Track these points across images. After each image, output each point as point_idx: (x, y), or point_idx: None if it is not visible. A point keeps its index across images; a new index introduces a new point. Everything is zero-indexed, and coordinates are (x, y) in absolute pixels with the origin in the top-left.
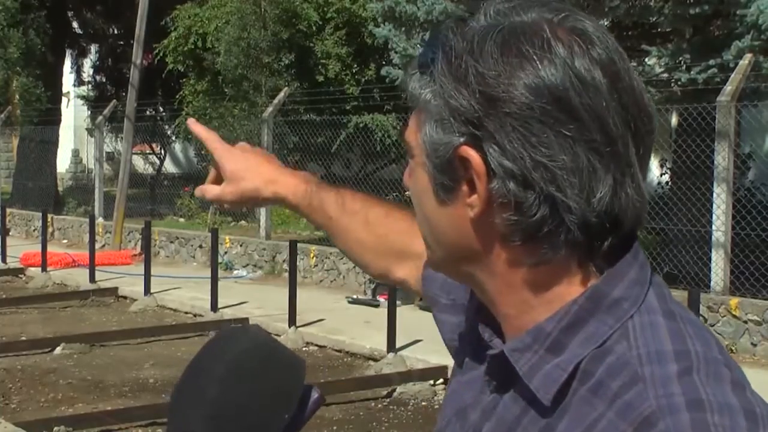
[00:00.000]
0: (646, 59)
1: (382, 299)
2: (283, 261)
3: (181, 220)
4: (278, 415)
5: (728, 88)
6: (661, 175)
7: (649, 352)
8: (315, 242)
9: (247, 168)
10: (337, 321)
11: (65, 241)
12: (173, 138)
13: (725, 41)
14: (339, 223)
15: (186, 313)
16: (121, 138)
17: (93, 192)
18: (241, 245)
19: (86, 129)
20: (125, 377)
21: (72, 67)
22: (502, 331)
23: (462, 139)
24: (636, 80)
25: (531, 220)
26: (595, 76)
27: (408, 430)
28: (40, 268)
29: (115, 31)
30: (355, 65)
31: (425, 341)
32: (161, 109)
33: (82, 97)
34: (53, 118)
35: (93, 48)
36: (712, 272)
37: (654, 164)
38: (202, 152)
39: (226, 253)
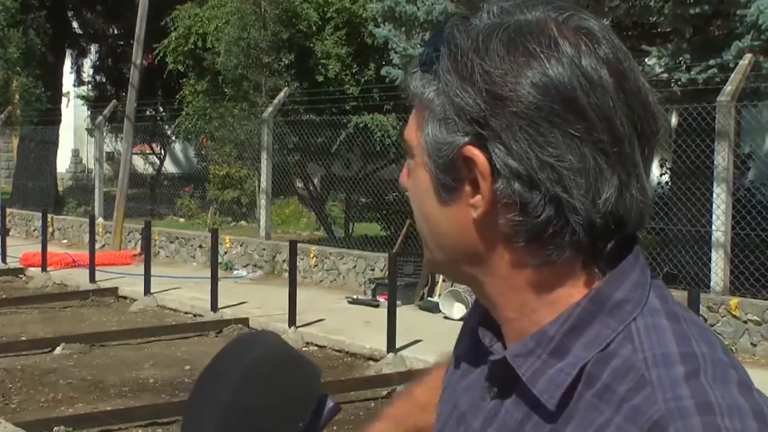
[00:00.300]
0: (646, 59)
1: (382, 299)
2: (283, 261)
3: (181, 220)
4: (292, 423)
5: (728, 88)
6: (661, 175)
7: (655, 355)
8: (315, 242)
9: None
10: (337, 321)
11: (65, 241)
12: (173, 138)
13: (725, 41)
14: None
15: (186, 313)
16: (121, 138)
17: (93, 192)
18: (241, 245)
19: (86, 129)
20: (125, 377)
21: (72, 67)
22: (502, 334)
23: (466, 139)
24: (642, 81)
25: (536, 221)
26: (602, 75)
27: None
28: (40, 268)
29: (115, 31)
30: (355, 65)
31: (425, 341)
32: (161, 109)
33: (82, 97)
34: (53, 118)
35: (93, 48)
36: (712, 272)
37: (654, 164)
38: (202, 152)
39: (226, 253)
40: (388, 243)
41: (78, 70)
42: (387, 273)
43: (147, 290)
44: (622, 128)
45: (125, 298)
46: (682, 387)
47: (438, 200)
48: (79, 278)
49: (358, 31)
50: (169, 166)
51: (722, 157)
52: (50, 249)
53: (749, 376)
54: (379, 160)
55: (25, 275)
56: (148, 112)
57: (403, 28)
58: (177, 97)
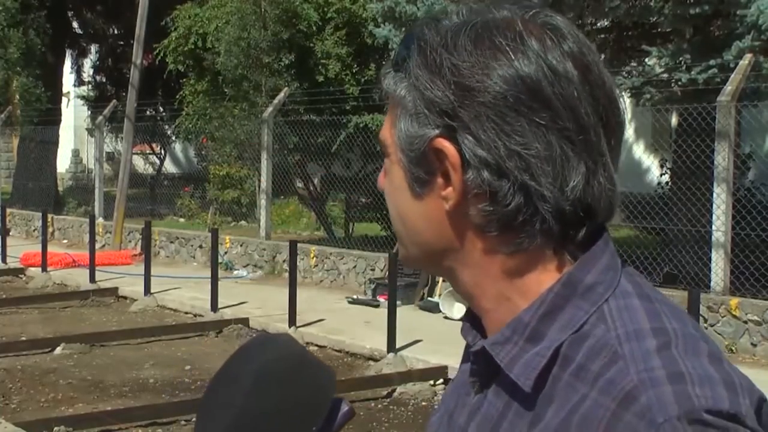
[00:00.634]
0: (646, 59)
1: (382, 299)
2: (283, 261)
3: (181, 220)
4: (305, 427)
5: (728, 88)
6: (661, 175)
7: (627, 332)
8: (315, 242)
9: None
10: (337, 321)
11: (65, 241)
12: (173, 138)
13: (725, 41)
14: None
15: (186, 313)
16: (121, 138)
17: (93, 192)
18: (241, 245)
19: (86, 129)
20: (125, 377)
21: (72, 67)
22: (485, 329)
23: (437, 131)
24: (606, 74)
25: (506, 209)
26: (567, 67)
27: (408, 430)
28: (40, 268)
29: (115, 31)
30: (355, 65)
31: (425, 341)
32: (161, 109)
33: (82, 97)
34: (53, 118)
35: (93, 48)
36: (712, 272)
37: (654, 164)
38: (202, 152)
39: (226, 253)
40: (388, 243)
41: (78, 70)
42: (387, 273)
43: (147, 290)
44: (587, 117)
45: (125, 298)
46: (653, 359)
47: (412, 195)
48: (79, 278)
49: (358, 31)
50: (169, 166)
51: (722, 157)
52: (50, 249)
53: (720, 350)
54: (379, 160)
55: (25, 275)
56: (148, 112)
57: (403, 28)
58: (177, 97)
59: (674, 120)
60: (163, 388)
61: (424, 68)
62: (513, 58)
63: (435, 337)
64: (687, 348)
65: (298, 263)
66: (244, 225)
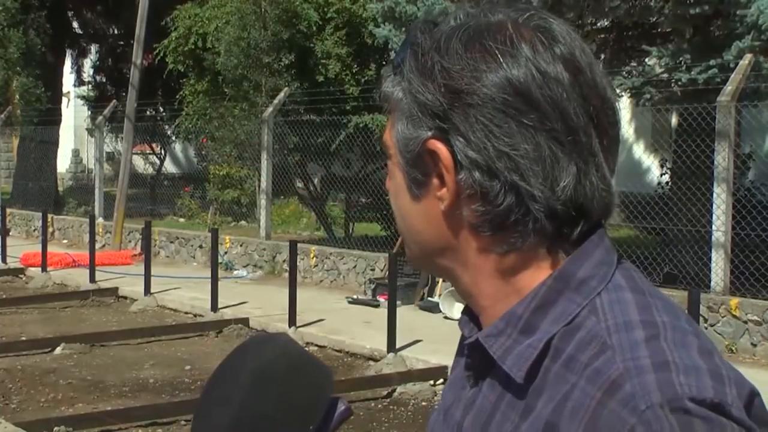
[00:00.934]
0: (646, 59)
1: (382, 299)
2: (283, 261)
3: (181, 220)
4: (303, 426)
5: (728, 88)
6: (661, 175)
7: (617, 323)
8: (315, 242)
9: None
10: (337, 321)
11: (65, 241)
12: (173, 138)
13: (725, 41)
14: None
15: (186, 313)
16: (121, 138)
17: (93, 192)
18: (241, 245)
19: (86, 129)
20: (125, 377)
21: (72, 67)
22: (482, 326)
23: (430, 133)
24: (599, 75)
25: (498, 209)
26: (557, 70)
27: (408, 430)
28: (40, 268)
29: (115, 31)
30: (355, 65)
31: (425, 341)
32: (161, 109)
33: (82, 97)
34: (53, 118)
35: (93, 48)
36: (712, 272)
37: (654, 164)
38: (203, 152)
39: (226, 253)
40: (388, 243)
41: (78, 70)
42: (387, 273)
43: (147, 290)
44: (577, 118)
45: (125, 298)
46: (641, 348)
47: (411, 196)
48: (79, 278)
49: (358, 31)
50: (169, 166)
51: (722, 157)
52: (50, 249)
53: (713, 344)
54: (379, 160)
55: (25, 275)
56: (148, 112)
57: (403, 28)
58: (177, 97)
59: (674, 120)
60: (163, 388)
61: (416, 71)
62: (502, 61)
63: (435, 337)
64: (676, 340)
65: (298, 263)
66: (244, 225)
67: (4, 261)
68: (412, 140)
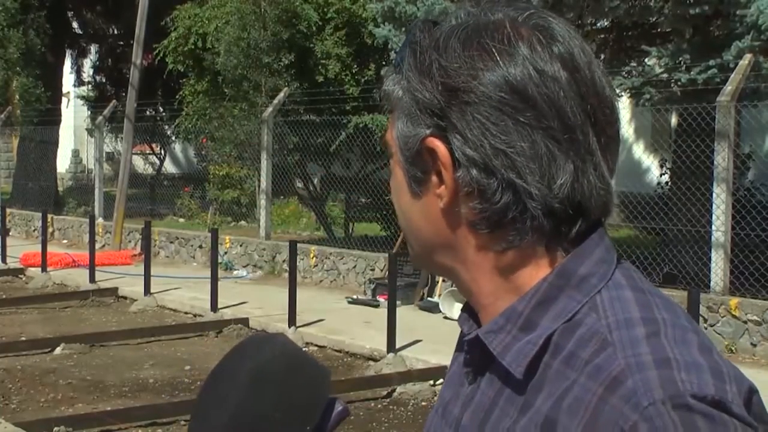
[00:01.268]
0: (646, 59)
1: (381, 299)
2: (283, 261)
3: (181, 220)
4: (300, 426)
5: (728, 88)
6: (661, 175)
7: (618, 320)
8: (315, 242)
9: None
10: (337, 321)
11: (65, 241)
12: (173, 138)
13: (725, 41)
14: None
15: (186, 313)
16: (121, 138)
17: (93, 192)
18: (241, 245)
19: (86, 129)
20: (125, 377)
21: (72, 67)
22: (482, 323)
23: (428, 131)
24: (598, 74)
25: (495, 207)
26: (554, 68)
27: (408, 430)
28: (40, 268)
29: (115, 31)
30: (355, 65)
31: (425, 341)
32: (161, 109)
33: (82, 97)
34: (53, 118)
35: (93, 48)
36: (712, 272)
37: (654, 164)
38: (202, 152)
39: (226, 253)
40: (388, 243)
41: (78, 70)
42: (387, 273)
43: (147, 290)
44: (574, 116)
45: (125, 298)
46: (642, 345)
47: (411, 194)
48: (79, 278)
49: (358, 31)
50: (169, 166)
51: (722, 157)
52: (50, 249)
53: (712, 342)
54: (379, 160)
55: (25, 275)
56: (148, 112)
57: (403, 28)
58: (177, 97)
59: (674, 120)
60: (163, 388)
61: (415, 70)
62: (499, 59)
63: (435, 337)
64: (676, 337)
65: (298, 263)
66: (244, 225)
67: (4, 261)
68: (411, 138)
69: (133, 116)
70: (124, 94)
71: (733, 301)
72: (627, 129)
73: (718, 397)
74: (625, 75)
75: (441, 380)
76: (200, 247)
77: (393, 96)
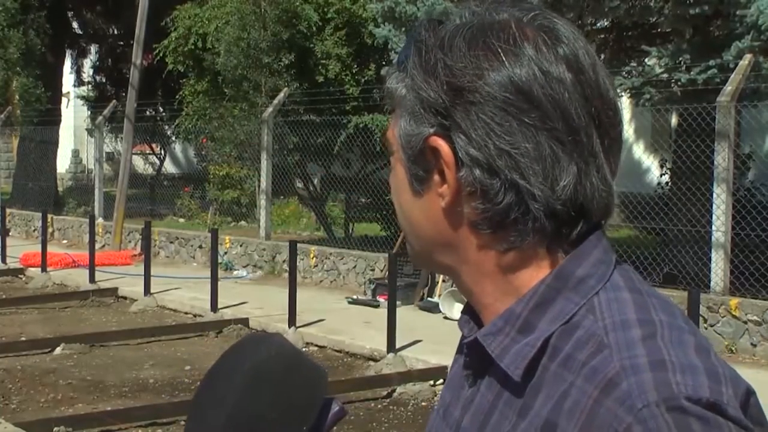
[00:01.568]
0: (646, 59)
1: (381, 299)
2: (283, 261)
3: (181, 220)
4: (297, 426)
5: (728, 88)
6: (661, 175)
7: (614, 322)
8: (315, 242)
9: None
10: (337, 321)
11: (65, 241)
12: (173, 138)
13: (725, 41)
14: None
15: (186, 313)
16: (121, 138)
17: (93, 192)
18: (241, 245)
19: (86, 129)
20: (125, 377)
21: (72, 68)
22: (483, 324)
23: (432, 130)
24: (603, 76)
25: (498, 207)
26: (559, 70)
27: (408, 431)
28: (40, 269)
29: (115, 32)
30: (355, 65)
31: (425, 341)
32: (161, 109)
33: (82, 98)
34: (53, 118)
35: (93, 48)
36: (712, 272)
37: (654, 164)
38: (202, 152)
39: (226, 253)
40: (388, 243)
41: (78, 70)
42: (387, 273)
43: (147, 290)
44: (578, 118)
45: (125, 298)
46: (637, 347)
47: (412, 192)
48: (79, 278)
49: (358, 31)
50: (169, 167)
51: (722, 158)
52: (50, 249)
53: (710, 343)
54: (379, 160)
55: (25, 275)
56: (148, 113)
57: (403, 28)
58: (177, 97)
59: (674, 120)
60: (163, 388)
61: (420, 68)
62: (504, 59)
63: (435, 338)
64: (672, 338)
65: (298, 263)
66: (244, 225)
67: (3, 261)
68: (415, 136)
69: (133, 116)
70: (124, 94)
71: (733, 301)
72: (627, 129)
73: (713, 400)
74: (625, 75)
75: (441, 380)
76: (200, 247)
77: (396, 94)
